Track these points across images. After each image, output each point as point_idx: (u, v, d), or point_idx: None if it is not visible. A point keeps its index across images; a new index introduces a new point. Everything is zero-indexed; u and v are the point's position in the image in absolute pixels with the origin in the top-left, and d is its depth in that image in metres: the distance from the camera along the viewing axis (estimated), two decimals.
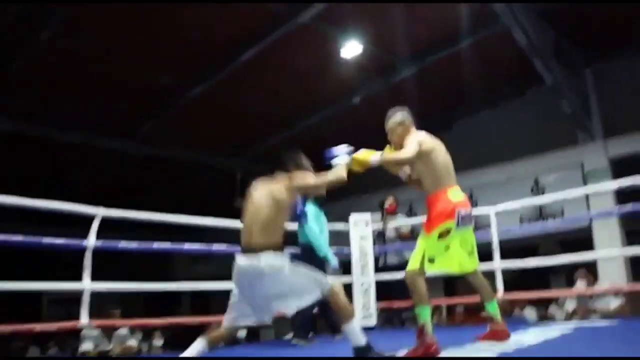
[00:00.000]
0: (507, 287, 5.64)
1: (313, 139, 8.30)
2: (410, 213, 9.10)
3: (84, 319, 4.48)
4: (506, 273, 5.75)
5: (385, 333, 5.97)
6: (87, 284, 4.52)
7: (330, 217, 5.33)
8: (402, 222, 6.79)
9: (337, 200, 10.39)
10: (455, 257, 3.26)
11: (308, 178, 3.18)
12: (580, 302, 5.77)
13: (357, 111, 8.14)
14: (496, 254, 5.62)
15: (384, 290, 6.26)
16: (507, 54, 7.10)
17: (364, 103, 7.99)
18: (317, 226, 4.86)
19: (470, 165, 8.54)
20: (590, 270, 6.32)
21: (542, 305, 6.44)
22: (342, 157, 3.31)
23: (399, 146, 3.37)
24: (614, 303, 5.62)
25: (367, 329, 5.81)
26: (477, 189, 8.66)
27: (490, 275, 5.45)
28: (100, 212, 4.68)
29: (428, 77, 7.63)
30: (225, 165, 9.79)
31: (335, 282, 3.17)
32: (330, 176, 3.21)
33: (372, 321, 6.09)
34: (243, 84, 7.28)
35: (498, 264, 5.58)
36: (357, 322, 3.06)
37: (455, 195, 3.24)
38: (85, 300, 4.49)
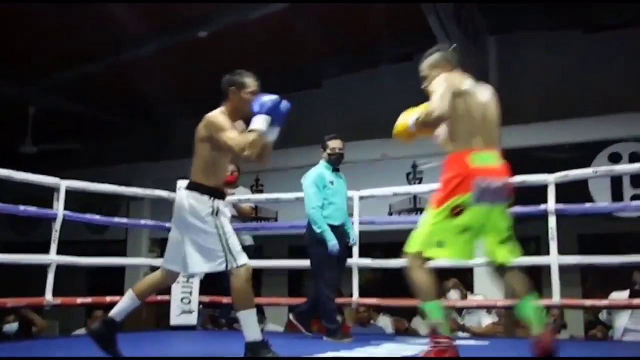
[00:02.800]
0: (365, 290, 5.79)
1: (139, 74, 8.05)
2: (257, 187, 9.10)
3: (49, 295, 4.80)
4: (365, 273, 5.91)
5: (207, 335, 5.94)
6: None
7: (149, 182, 5.18)
8: (243, 196, 6.72)
9: (158, 161, 10.17)
10: (472, 243, 3.07)
11: (227, 133, 3.38)
12: (447, 316, 6.08)
13: (203, 45, 7.93)
14: (355, 248, 5.70)
15: (210, 281, 6.18)
16: (397, 5, 7.26)
17: (214, 38, 7.78)
18: (317, 195, 4.95)
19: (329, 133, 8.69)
20: (463, 280, 6.70)
21: (404, 316, 6.75)
22: (262, 117, 3.37)
23: None
24: (486, 320, 6.00)
25: (184, 328, 5.88)
26: (342, 167, 8.83)
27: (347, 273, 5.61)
28: None
29: (297, 18, 7.58)
30: (11, 93, 9.05)
31: (247, 263, 3.31)
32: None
33: (192, 319, 6.01)
34: None
35: (355, 260, 5.68)
36: (255, 315, 3.26)
37: (481, 158, 3.03)
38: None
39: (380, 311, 6.81)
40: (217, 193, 3.45)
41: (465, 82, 3.21)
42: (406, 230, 7.51)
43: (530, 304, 3.01)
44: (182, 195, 3.47)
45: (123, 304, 3.50)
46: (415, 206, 8.43)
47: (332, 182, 5.11)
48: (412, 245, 3.08)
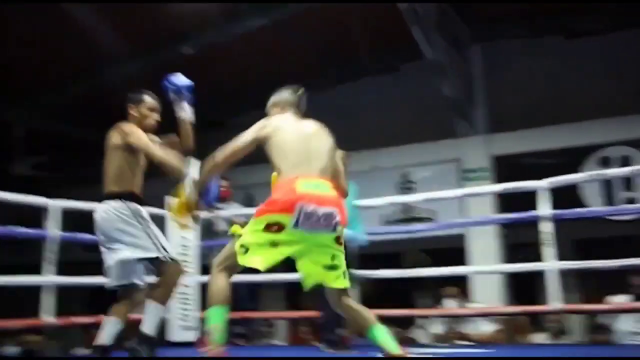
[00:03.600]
0: (362, 301, 5.74)
1: (124, 94, 8.00)
2: (249, 201, 9.04)
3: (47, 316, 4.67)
4: (361, 285, 5.87)
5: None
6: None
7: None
8: (236, 211, 6.68)
9: (148, 178, 10.09)
10: (277, 258, 2.94)
11: (143, 140, 3.53)
12: (449, 325, 6.06)
13: (190, 64, 7.89)
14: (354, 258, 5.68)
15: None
16: (381, 16, 7.27)
17: (200, 55, 7.76)
18: None
19: None
20: (461, 287, 6.68)
21: (402, 326, 6.71)
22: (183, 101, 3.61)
23: None
24: (487, 328, 5.98)
25: (186, 345, 5.81)
26: None
27: None
28: None
29: (281, 32, 7.59)
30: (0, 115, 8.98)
31: (177, 260, 3.43)
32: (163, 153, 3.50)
33: (192, 335, 5.95)
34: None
35: (354, 272, 5.64)
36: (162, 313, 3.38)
37: (305, 187, 2.97)
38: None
39: (380, 322, 6.74)
40: (134, 197, 3.58)
41: (278, 122, 3.28)
42: (399, 240, 7.55)
43: (380, 331, 2.98)
44: (101, 207, 3.53)
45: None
46: (407, 215, 8.42)
47: None
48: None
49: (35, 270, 5.25)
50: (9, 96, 8.58)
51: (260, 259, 2.90)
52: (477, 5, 7.73)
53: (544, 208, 5.08)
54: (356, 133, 8.83)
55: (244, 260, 2.92)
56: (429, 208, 8.20)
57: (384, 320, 6.58)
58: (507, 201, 7.12)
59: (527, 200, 5.30)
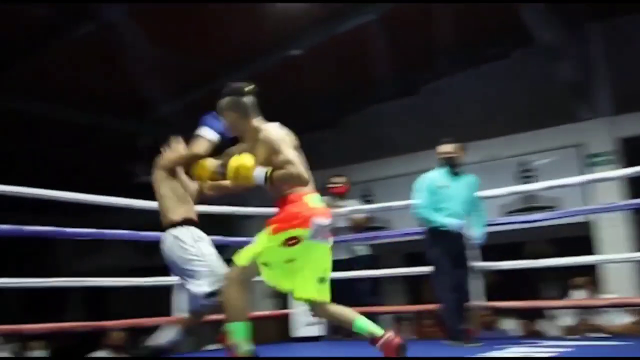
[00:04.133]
0: (487, 293, 5.64)
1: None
2: (367, 197, 9.07)
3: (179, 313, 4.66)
4: (486, 276, 5.75)
5: (335, 345, 5.95)
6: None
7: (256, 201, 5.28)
8: (354, 207, 6.70)
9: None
10: (295, 276, 3.23)
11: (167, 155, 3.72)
12: (579, 317, 5.84)
13: (297, 65, 8.00)
14: (472, 252, 5.57)
15: (331, 292, 6.20)
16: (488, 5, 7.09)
17: (308, 55, 7.83)
18: (422, 198, 4.95)
19: (438, 140, 8.57)
20: (590, 277, 6.42)
21: (528, 318, 6.53)
22: (208, 129, 3.58)
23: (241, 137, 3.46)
24: (621, 319, 5.71)
25: (312, 339, 5.90)
26: None
27: None
28: None
29: (389, 26, 7.53)
30: (124, 129, 9.44)
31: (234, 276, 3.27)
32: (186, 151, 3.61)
33: (317, 330, 6.03)
34: (148, 26, 6.95)
35: (478, 264, 5.55)
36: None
37: (315, 201, 3.28)
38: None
39: (504, 315, 6.63)
40: (187, 221, 3.69)
41: (287, 133, 3.36)
42: (520, 230, 7.36)
43: (361, 322, 3.21)
44: (166, 240, 3.63)
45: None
46: (528, 205, 8.18)
47: (443, 187, 4.99)
48: (240, 259, 3.20)
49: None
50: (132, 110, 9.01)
51: (277, 276, 3.22)
52: None
53: None
54: (470, 124, 8.69)
55: (264, 275, 3.19)
56: (552, 196, 7.93)
57: (510, 312, 6.53)
58: (637, 186, 6.77)
59: None
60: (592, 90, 7.79)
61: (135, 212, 5.42)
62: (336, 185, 6.79)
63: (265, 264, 3.15)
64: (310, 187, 3.30)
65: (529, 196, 8.05)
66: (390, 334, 3.09)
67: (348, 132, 9.88)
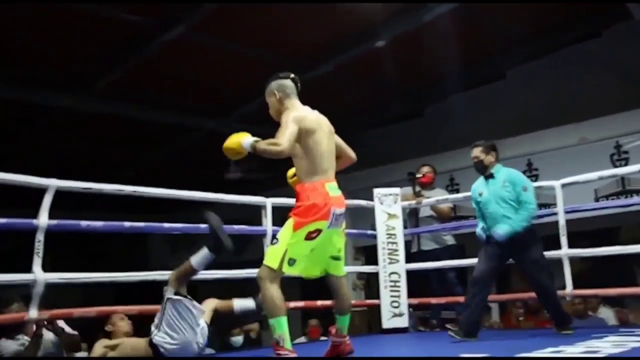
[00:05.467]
0: (577, 282, 5.55)
1: (326, 91, 8.26)
2: (452, 186, 9.02)
3: (33, 312, 4.36)
4: (576, 264, 5.65)
5: (420, 337, 5.99)
6: (39, 275, 4.37)
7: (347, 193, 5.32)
8: (440, 197, 6.70)
9: (355, 171, 10.40)
10: (318, 261, 3.52)
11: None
12: None
13: (381, 56, 8.00)
14: (563, 238, 5.51)
15: (417, 283, 6.24)
16: None
17: (391, 46, 7.83)
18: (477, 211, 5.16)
19: (527, 125, 8.43)
20: None
21: (624, 305, 6.37)
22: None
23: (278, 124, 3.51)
24: None
25: (398, 330, 5.96)
26: (538, 156, 8.54)
27: (557, 265, 5.42)
28: (53, 183, 4.53)
29: (472, 13, 7.43)
30: (213, 127, 9.71)
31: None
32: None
33: (404, 322, 6.08)
34: (233, 25, 7.12)
35: (565, 251, 5.49)
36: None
37: (333, 190, 3.45)
38: (37, 293, 4.36)
39: (601, 303, 6.50)
40: None
41: (311, 118, 3.51)
42: (615, 214, 7.17)
43: (344, 320, 3.68)
44: None
45: None
46: (624, 188, 7.93)
47: (480, 194, 5.06)
48: (270, 260, 3.35)
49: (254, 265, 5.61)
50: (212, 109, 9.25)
51: (306, 268, 3.50)
52: None
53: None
54: (560, 105, 8.50)
55: (292, 271, 3.41)
56: None
57: (603, 299, 6.39)
58: None
59: None
60: None
61: (224, 206, 5.60)
62: (422, 174, 6.80)
63: (292, 262, 3.34)
64: (328, 175, 3.48)
65: (625, 180, 7.81)
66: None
67: (432, 122, 9.83)
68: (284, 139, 3.32)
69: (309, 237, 3.32)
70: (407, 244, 6.56)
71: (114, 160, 10.66)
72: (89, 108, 8.21)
